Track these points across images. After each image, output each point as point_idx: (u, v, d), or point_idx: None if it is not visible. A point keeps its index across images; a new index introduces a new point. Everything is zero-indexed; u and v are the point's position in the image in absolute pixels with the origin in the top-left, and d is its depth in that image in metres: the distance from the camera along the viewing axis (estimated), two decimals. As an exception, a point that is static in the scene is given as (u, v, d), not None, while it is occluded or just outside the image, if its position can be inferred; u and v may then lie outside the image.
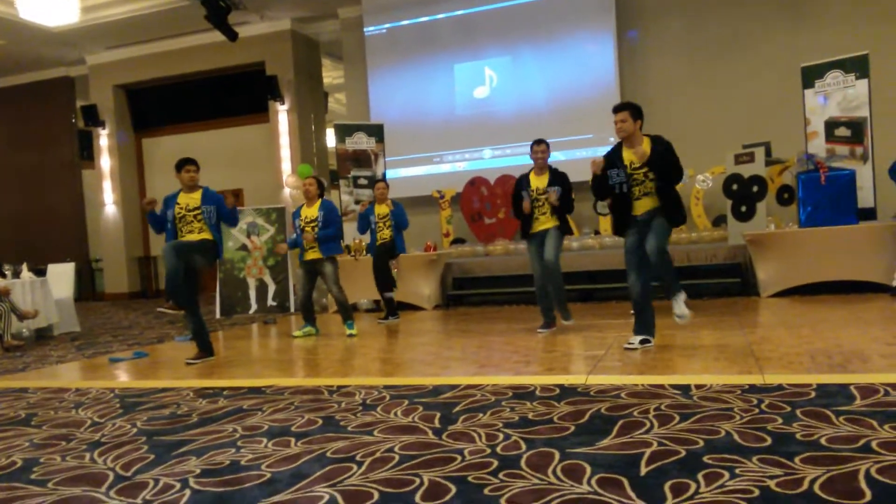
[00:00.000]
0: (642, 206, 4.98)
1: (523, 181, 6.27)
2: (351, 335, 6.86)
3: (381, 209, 7.84)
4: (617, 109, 5.01)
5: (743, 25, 10.77)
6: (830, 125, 8.22)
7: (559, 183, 6.13)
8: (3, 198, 16.38)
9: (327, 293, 9.46)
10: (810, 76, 8.39)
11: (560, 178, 6.19)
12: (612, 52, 11.18)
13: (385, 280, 7.85)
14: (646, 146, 4.92)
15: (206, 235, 5.66)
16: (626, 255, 5.07)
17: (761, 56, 10.62)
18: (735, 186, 8.51)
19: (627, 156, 4.97)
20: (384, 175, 10.76)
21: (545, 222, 6.18)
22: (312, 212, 6.97)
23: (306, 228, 6.91)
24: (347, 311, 7.06)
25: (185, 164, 5.69)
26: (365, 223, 7.91)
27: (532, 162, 6.27)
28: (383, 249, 7.79)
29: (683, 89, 11.03)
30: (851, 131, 8.09)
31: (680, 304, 4.89)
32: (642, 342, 5.02)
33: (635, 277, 5.02)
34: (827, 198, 7.70)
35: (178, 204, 5.65)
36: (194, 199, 5.67)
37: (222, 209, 5.75)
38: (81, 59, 15.19)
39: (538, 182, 6.20)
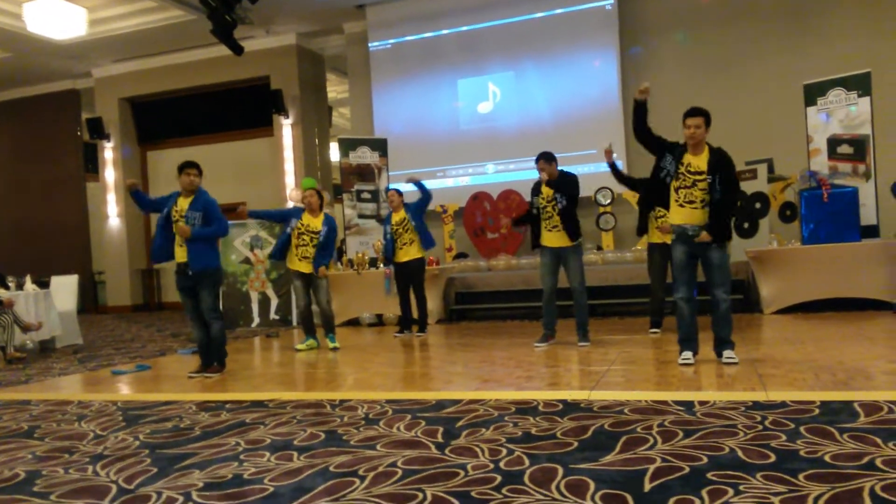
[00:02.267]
0: (692, 217, 4.80)
1: (536, 188, 6.23)
2: (335, 348, 6.95)
3: (397, 216, 7.75)
4: (692, 114, 4.76)
5: (745, 42, 10.81)
6: (833, 143, 8.24)
7: (564, 189, 6.04)
8: (8, 209, 16.43)
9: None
10: (812, 94, 8.42)
11: (565, 183, 6.07)
12: (616, 68, 11.23)
13: (406, 309, 7.79)
14: (705, 154, 4.78)
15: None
16: (676, 271, 4.93)
17: (764, 72, 10.65)
18: (738, 203, 8.51)
19: (688, 157, 4.80)
20: (387, 189, 10.78)
21: (559, 237, 6.09)
22: (317, 224, 7.00)
23: (306, 238, 6.93)
24: (331, 324, 7.17)
25: (185, 167, 5.60)
26: (383, 233, 7.92)
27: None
28: (407, 270, 7.68)
29: (686, 105, 10.80)
30: (854, 149, 8.10)
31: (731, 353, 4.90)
32: (692, 356, 4.98)
33: (685, 292, 4.90)
34: (829, 215, 7.72)
35: (175, 206, 5.56)
36: (189, 203, 5.57)
37: (210, 215, 5.56)
38: (88, 72, 15.28)
39: (548, 191, 6.13)
